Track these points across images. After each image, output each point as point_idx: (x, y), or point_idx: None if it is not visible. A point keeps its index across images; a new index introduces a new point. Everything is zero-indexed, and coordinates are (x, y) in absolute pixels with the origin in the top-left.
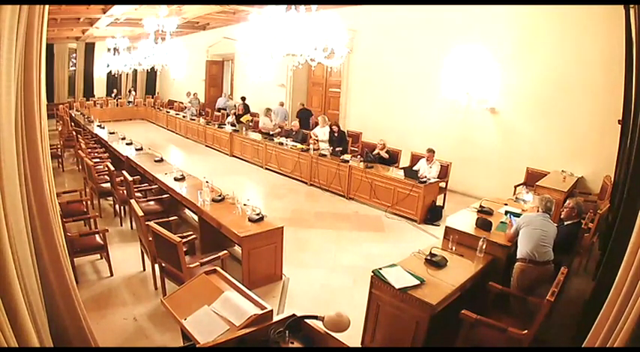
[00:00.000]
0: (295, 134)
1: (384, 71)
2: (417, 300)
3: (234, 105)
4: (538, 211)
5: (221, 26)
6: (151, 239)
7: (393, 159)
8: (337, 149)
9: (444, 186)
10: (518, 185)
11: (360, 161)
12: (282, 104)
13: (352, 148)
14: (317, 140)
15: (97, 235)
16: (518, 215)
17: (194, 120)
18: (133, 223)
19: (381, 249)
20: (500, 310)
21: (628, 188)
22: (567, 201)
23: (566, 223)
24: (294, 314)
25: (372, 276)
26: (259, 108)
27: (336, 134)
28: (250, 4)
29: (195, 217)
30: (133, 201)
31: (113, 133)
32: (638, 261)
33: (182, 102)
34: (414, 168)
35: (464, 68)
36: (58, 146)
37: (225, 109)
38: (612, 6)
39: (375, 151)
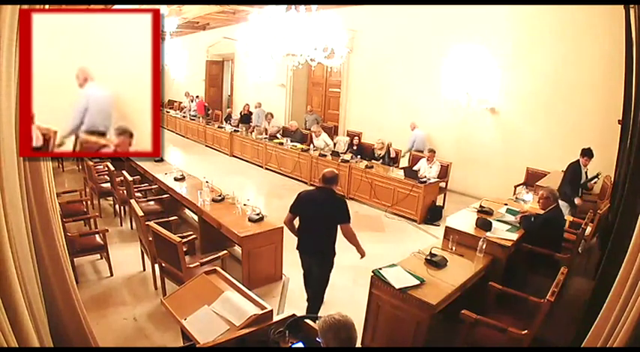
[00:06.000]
0: (294, 134)
1: (384, 71)
2: (417, 300)
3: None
4: None
5: (221, 26)
6: (151, 239)
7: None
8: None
9: (444, 186)
10: (519, 185)
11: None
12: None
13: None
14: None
15: (97, 235)
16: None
17: (194, 119)
18: (133, 223)
19: (381, 249)
20: (501, 310)
21: (628, 188)
22: (540, 193)
23: (545, 211)
24: (294, 314)
25: (372, 276)
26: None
27: (355, 147)
28: (250, 4)
29: (195, 217)
30: (133, 201)
31: None
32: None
33: (182, 102)
34: (414, 168)
35: (464, 68)
36: None
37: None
38: (612, 6)
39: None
